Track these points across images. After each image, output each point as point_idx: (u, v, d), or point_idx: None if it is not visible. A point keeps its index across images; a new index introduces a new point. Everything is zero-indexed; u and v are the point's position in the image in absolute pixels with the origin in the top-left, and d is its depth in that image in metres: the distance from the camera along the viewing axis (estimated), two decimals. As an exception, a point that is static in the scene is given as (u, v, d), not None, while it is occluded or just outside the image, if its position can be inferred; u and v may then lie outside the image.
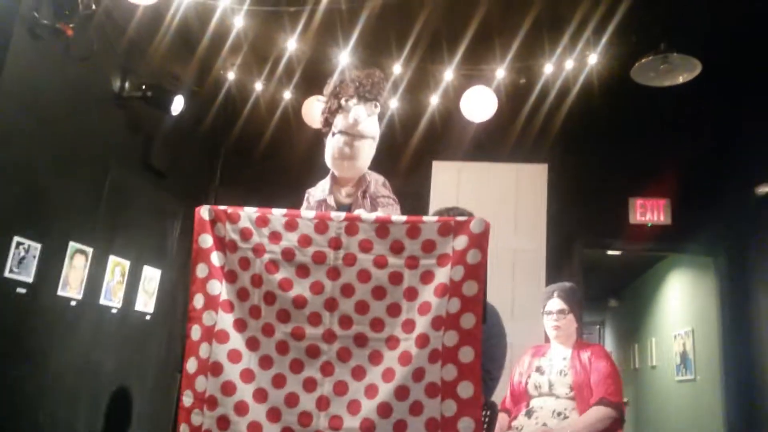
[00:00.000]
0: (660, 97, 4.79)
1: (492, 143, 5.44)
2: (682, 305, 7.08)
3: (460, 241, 1.79)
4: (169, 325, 5.07)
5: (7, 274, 3.33)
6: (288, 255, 1.86)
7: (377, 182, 2.43)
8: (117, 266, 4.34)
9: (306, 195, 2.49)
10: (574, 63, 4.72)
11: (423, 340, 1.74)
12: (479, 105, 4.79)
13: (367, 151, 2.34)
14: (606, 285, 9.97)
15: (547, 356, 3.20)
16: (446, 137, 5.51)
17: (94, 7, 3.70)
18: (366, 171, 2.41)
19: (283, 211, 1.91)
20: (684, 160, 5.14)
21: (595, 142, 5.30)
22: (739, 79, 4.87)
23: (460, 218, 1.84)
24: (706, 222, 5.09)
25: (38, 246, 3.54)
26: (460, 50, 4.71)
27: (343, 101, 2.31)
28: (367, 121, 2.30)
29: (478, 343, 1.72)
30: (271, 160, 5.69)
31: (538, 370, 3.14)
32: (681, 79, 4.36)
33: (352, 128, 2.28)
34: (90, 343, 4.09)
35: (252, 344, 1.84)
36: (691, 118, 5.19)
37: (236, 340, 1.84)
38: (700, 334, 6.26)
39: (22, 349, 3.51)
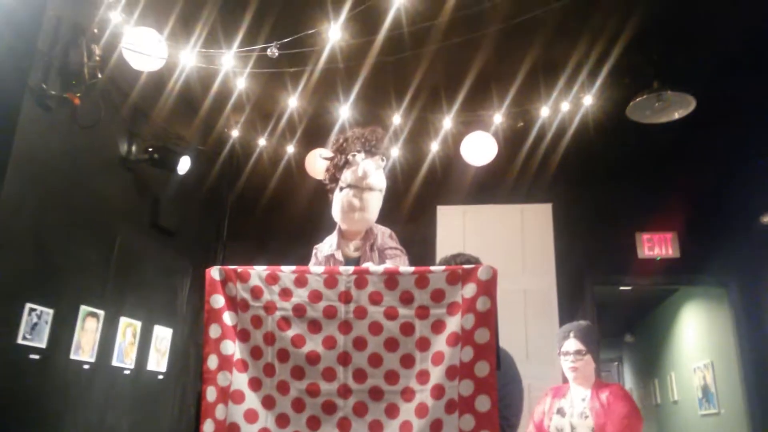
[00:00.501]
0: (658, 133, 4.85)
1: (495, 186, 5.50)
2: (699, 337, 6.99)
3: (469, 289, 1.79)
4: (182, 384, 5.04)
5: (20, 340, 3.34)
6: (299, 311, 1.88)
7: (384, 234, 2.44)
8: (128, 327, 4.34)
9: (314, 251, 2.50)
10: (570, 105, 4.82)
11: (438, 391, 1.73)
12: (479, 150, 4.87)
13: (376, 203, 2.39)
14: (620, 320, 9.86)
15: (568, 398, 3.14)
16: (449, 182, 5.57)
17: (99, 75, 3.81)
18: (373, 224, 2.44)
19: (293, 267, 1.93)
20: (688, 193, 5.17)
21: (598, 180, 5.35)
22: (736, 109, 4.94)
23: (467, 266, 1.85)
24: (714, 253, 5.08)
25: (50, 311, 3.57)
26: (459, 98, 4.82)
27: (350, 156, 2.37)
28: (375, 174, 2.37)
29: (494, 390, 1.71)
30: (277, 214, 5.76)
31: (560, 412, 3.08)
32: (677, 115, 4.42)
33: (360, 181, 2.33)
34: (104, 405, 4.06)
35: (268, 403, 1.83)
36: (691, 151, 5.24)
37: (252, 400, 1.84)
38: (720, 366, 6.16)
39: (37, 414, 3.49)
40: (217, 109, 5.06)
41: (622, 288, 6.35)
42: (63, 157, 3.76)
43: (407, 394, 1.77)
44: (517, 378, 2.36)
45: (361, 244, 2.40)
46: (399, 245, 2.43)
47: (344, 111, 4.87)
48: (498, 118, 5.01)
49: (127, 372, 4.32)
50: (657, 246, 5.23)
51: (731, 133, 5.07)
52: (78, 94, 3.70)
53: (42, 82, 3.54)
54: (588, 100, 4.76)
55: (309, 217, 5.02)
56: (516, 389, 2.33)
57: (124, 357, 4.29)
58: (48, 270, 3.62)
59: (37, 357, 3.46)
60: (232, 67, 4.16)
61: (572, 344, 3.16)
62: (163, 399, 4.81)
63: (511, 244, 5.32)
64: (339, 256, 2.38)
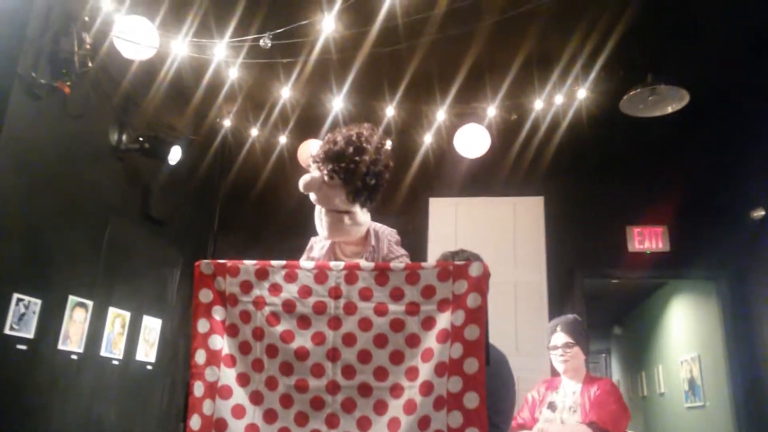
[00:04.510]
0: (651, 127, 4.86)
1: (487, 178, 5.50)
2: (687, 330, 7.04)
3: (460, 286, 1.79)
4: (171, 374, 5.04)
5: (7, 330, 3.32)
6: (288, 306, 1.86)
7: (390, 242, 2.26)
8: (117, 318, 4.33)
9: (309, 243, 2.40)
10: (564, 98, 4.82)
11: (427, 388, 1.73)
12: (472, 142, 4.87)
13: (336, 224, 2.12)
14: (609, 313, 9.93)
15: (560, 391, 3.15)
16: (442, 174, 5.57)
17: (90, 64, 3.77)
18: (371, 230, 2.25)
19: (283, 262, 1.91)
20: (679, 187, 5.19)
21: (590, 174, 5.36)
22: (729, 104, 4.95)
23: (458, 263, 1.85)
24: (704, 247, 5.11)
25: (38, 302, 3.55)
26: (452, 90, 4.81)
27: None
28: (322, 193, 2.08)
29: (482, 387, 1.71)
30: (269, 205, 5.73)
31: (551, 406, 3.10)
32: (670, 109, 4.42)
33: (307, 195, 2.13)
34: (92, 395, 4.05)
35: (256, 398, 1.82)
36: (683, 145, 5.25)
37: (239, 395, 1.83)
38: (707, 359, 6.21)
39: (25, 404, 3.48)
40: (209, 98, 5.02)
41: (611, 281, 6.38)
42: (53, 147, 3.73)
43: (396, 390, 1.76)
44: (510, 385, 2.31)
45: (359, 251, 2.24)
46: (403, 251, 2.27)
47: (337, 102, 4.84)
48: (492, 110, 5.00)
49: (115, 362, 4.31)
50: (647, 239, 5.25)
51: (723, 127, 5.09)
52: (68, 83, 3.67)
53: (32, 70, 3.50)
54: (582, 93, 4.76)
55: (302, 208, 4.96)
56: (509, 396, 2.29)
57: (113, 347, 4.28)
58: (36, 260, 3.59)
59: (24, 347, 3.44)
60: (225, 57, 4.12)
61: (560, 338, 3.19)
62: (152, 390, 4.80)
63: (502, 237, 5.33)
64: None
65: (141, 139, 4.38)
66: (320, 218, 2.16)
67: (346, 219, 2.12)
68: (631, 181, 5.32)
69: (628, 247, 5.26)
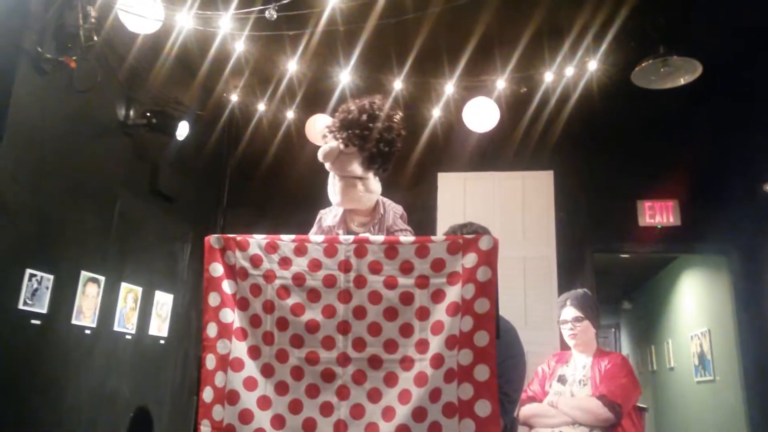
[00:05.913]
0: (663, 99, 4.79)
1: (496, 153, 5.46)
2: (697, 305, 7.03)
3: (470, 259, 1.78)
4: (184, 348, 5.09)
5: (21, 306, 3.35)
6: (299, 280, 1.87)
7: (395, 214, 2.35)
8: (129, 293, 4.36)
9: (318, 216, 2.46)
10: (575, 70, 4.74)
11: (438, 360, 1.73)
12: (481, 116, 4.82)
13: (350, 190, 2.21)
14: (619, 287, 9.91)
15: (570, 365, 3.16)
16: (450, 149, 5.53)
17: (95, 38, 3.74)
18: (380, 201, 2.33)
19: (292, 236, 1.91)
20: (690, 161, 5.13)
21: (600, 147, 5.30)
22: (742, 76, 4.87)
23: (468, 236, 1.84)
24: (715, 221, 5.06)
25: (51, 277, 3.57)
26: (461, 63, 4.74)
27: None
28: (338, 161, 2.18)
29: (493, 360, 1.71)
30: (277, 180, 5.73)
31: (561, 379, 3.11)
32: (682, 81, 4.35)
33: (327, 165, 2.23)
34: (106, 370, 4.11)
35: (267, 371, 1.84)
36: (695, 118, 5.18)
37: (251, 368, 1.84)
38: (717, 334, 6.20)
39: (39, 379, 3.53)
40: (216, 73, 4.99)
41: (621, 255, 6.36)
42: (60, 122, 3.72)
43: (406, 362, 1.77)
44: (519, 354, 2.33)
45: (368, 221, 2.32)
46: (408, 226, 2.35)
47: (344, 76, 4.80)
48: (501, 83, 4.94)
49: (128, 337, 4.35)
50: (658, 214, 5.21)
51: (735, 100, 5.00)
52: (74, 58, 3.64)
53: (37, 45, 3.47)
54: (593, 65, 4.68)
55: (310, 183, 4.97)
56: (518, 365, 2.31)
57: (126, 322, 4.32)
58: (47, 236, 3.61)
59: (38, 322, 3.48)
60: (230, 30, 4.07)
61: (570, 312, 3.19)
62: (165, 364, 4.86)
63: (511, 211, 5.30)
64: (341, 232, 2.31)
65: (148, 114, 4.36)
66: (333, 185, 2.23)
67: (360, 185, 2.21)
68: (642, 155, 5.26)
69: (639, 221, 5.23)
